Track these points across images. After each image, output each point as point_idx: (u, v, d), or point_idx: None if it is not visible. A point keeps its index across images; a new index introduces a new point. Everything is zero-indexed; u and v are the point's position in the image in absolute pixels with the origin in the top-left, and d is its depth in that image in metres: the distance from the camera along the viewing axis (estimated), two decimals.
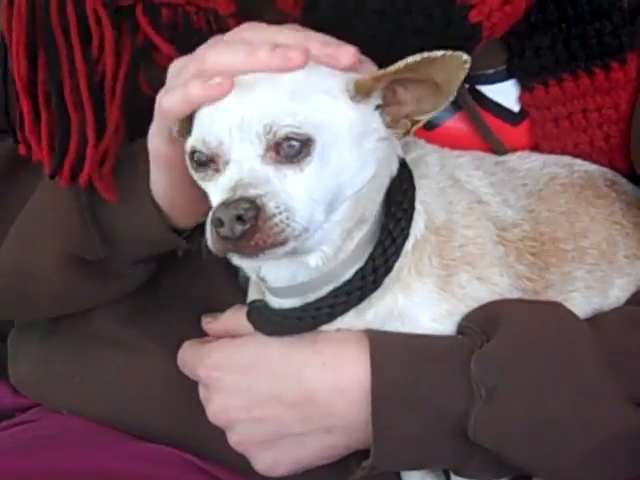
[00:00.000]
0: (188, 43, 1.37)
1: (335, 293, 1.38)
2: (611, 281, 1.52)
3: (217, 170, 1.28)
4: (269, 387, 1.41)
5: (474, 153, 1.54)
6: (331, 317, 1.39)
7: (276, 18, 1.39)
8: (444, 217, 1.43)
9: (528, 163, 1.55)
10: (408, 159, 1.44)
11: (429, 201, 1.43)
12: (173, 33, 1.49)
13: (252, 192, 1.23)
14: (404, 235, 1.39)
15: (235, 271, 1.52)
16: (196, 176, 1.32)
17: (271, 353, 1.42)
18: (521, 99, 1.58)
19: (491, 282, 1.43)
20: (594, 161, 1.59)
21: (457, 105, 1.57)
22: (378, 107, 1.34)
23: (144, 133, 1.40)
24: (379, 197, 1.39)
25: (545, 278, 1.47)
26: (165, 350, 1.56)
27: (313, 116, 1.27)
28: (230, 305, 1.50)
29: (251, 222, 1.22)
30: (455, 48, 1.34)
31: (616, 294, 1.52)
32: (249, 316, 1.43)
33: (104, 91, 1.48)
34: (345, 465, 1.47)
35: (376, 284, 1.38)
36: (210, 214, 1.25)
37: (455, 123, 1.59)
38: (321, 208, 1.29)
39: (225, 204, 1.23)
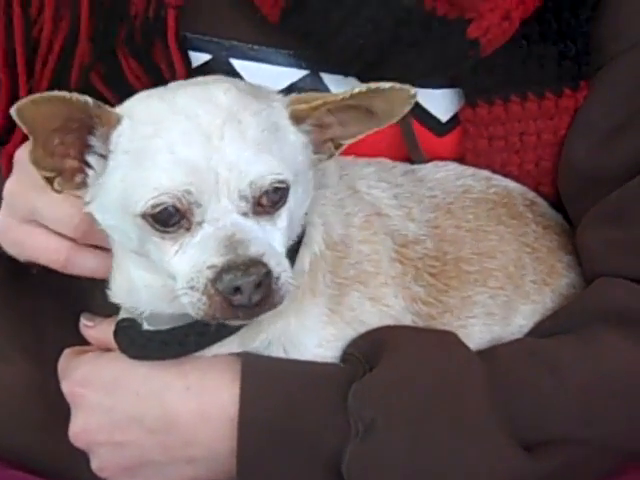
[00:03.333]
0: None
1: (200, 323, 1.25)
2: (515, 307, 1.42)
3: (188, 229, 1.18)
4: (131, 409, 1.31)
5: (383, 161, 1.45)
6: (199, 346, 1.30)
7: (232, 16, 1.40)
8: (341, 231, 1.35)
9: (442, 172, 1.46)
10: None
11: (327, 213, 1.35)
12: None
13: (254, 251, 1.15)
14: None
15: None
16: (154, 236, 1.19)
17: (136, 372, 1.32)
18: (461, 113, 1.48)
19: (383, 303, 1.34)
20: (520, 183, 1.50)
21: None
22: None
23: None
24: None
25: (443, 302, 1.38)
26: (33, 359, 1.48)
27: (284, 161, 1.20)
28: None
29: (267, 287, 1.14)
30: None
31: (519, 322, 1.42)
32: (115, 336, 1.33)
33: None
34: None
35: None
36: (205, 278, 1.14)
37: None
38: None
39: (238, 269, 1.13)
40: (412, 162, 1.47)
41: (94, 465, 1.36)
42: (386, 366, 1.29)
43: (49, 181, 1.23)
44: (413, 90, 1.22)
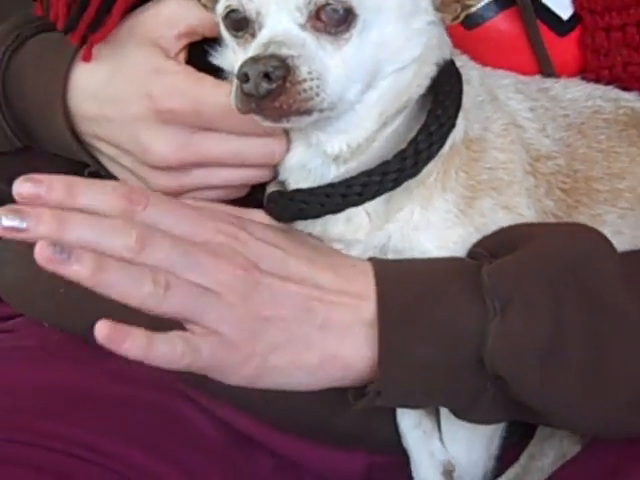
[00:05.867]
0: None
1: (369, 173, 1.28)
2: None
3: (253, 35, 1.25)
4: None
5: (518, 76, 1.43)
6: (362, 198, 1.28)
7: None
8: (478, 131, 1.33)
9: (572, 92, 1.44)
10: None
11: (468, 109, 1.33)
12: None
13: (285, 51, 1.20)
14: (450, 124, 1.29)
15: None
16: (233, 42, 1.29)
17: None
18: (575, 1, 1.46)
19: (517, 212, 1.32)
20: None
21: (504, 2, 1.46)
22: None
23: None
24: (425, 84, 1.30)
25: (573, 217, 1.36)
26: None
27: None
28: None
29: (278, 82, 1.17)
30: None
31: None
32: (267, 206, 1.33)
33: None
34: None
35: (416, 169, 1.28)
36: (237, 69, 1.20)
37: (498, 22, 1.48)
38: (357, 87, 1.25)
39: (254, 59, 1.19)
40: (540, 72, 1.47)
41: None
42: (518, 253, 1.26)
43: None
44: None
